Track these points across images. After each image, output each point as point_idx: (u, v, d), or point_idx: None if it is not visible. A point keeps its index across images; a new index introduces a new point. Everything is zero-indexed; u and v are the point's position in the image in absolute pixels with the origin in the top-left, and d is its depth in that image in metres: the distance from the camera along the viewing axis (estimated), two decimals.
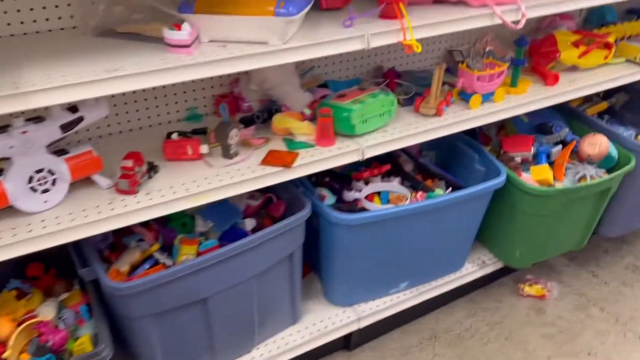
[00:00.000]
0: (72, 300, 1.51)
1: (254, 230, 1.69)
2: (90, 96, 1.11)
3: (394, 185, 1.82)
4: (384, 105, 1.62)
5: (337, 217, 1.60)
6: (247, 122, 1.61)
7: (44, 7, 1.39)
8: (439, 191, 1.83)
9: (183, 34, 1.22)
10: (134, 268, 1.52)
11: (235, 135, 1.47)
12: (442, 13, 1.52)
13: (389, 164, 1.87)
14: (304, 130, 1.57)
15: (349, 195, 1.78)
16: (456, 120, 1.69)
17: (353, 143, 1.57)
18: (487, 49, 2.00)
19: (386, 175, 1.88)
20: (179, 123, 1.71)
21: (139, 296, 1.35)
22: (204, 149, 1.46)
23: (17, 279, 1.54)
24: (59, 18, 1.42)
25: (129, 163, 1.32)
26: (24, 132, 1.18)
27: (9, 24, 1.37)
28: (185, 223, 1.67)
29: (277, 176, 1.45)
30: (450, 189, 1.86)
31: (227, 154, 1.48)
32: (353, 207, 1.75)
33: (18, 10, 1.36)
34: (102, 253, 1.57)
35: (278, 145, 1.56)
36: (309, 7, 1.33)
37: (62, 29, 1.43)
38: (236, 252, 1.46)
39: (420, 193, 1.78)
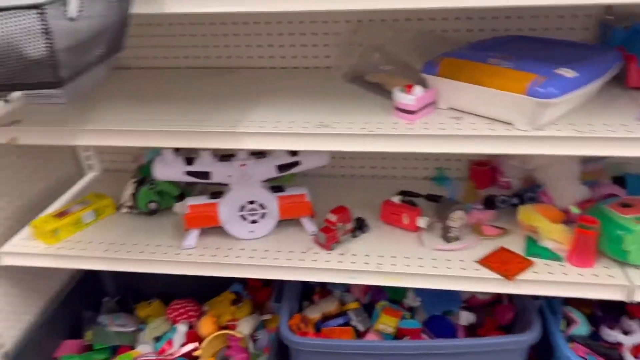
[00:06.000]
0: (272, 323, 1.55)
1: (469, 329, 1.42)
2: (294, 148, 1.07)
3: None
4: None
5: None
6: (489, 203, 1.33)
7: (304, 45, 1.42)
8: None
9: (410, 99, 1.05)
10: (327, 318, 1.46)
11: (459, 218, 1.23)
12: None
13: None
14: (553, 235, 1.20)
15: (610, 335, 1.30)
16: None
17: (621, 274, 1.12)
18: None
19: None
20: (423, 181, 1.54)
21: (309, 355, 1.28)
22: (421, 222, 1.27)
23: (241, 283, 1.67)
24: (315, 57, 1.43)
25: (333, 218, 1.25)
26: (243, 165, 1.23)
27: (271, 57, 1.45)
28: (397, 290, 1.52)
29: (491, 284, 1.15)
30: None
31: (445, 235, 1.25)
32: (610, 353, 1.27)
33: (281, 46, 1.43)
34: (312, 290, 1.57)
35: (515, 243, 1.24)
36: (583, 88, 0.98)
37: (317, 67, 1.44)
38: (435, 352, 1.25)
39: None
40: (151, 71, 1.49)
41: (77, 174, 1.69)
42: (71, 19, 0.75)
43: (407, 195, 1.37)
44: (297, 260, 1.23)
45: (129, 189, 1.43)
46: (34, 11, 0.69)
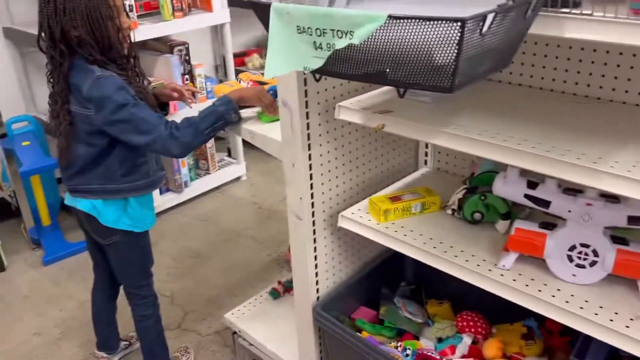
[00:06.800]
0: None
1: None
2: None
3: None
4: None
5: None
6: None
7: None
8: None
9: None
10: None
11: None
12: None
13: None
14: None
15: None
16: None
17: None
18: None
19: None
20: None
21: None
22: None
23: (536, 320, 1.58)
24: None
25: None
26: (589, 205, 1.14)
27: None
28: None
29: None
30: None
31: None
32: None
33: None
34: (619, 357, 1.38)
35: None
36: None
37: None
38: None
39: None
40: (516, 88, 1.49)
41: (412, 166, 1.84)
42: (481, 35, 0.81)
43: None
44: (621, 324, 1.09)
45: (459, 193, 1.48)
46: (458, 24, 0.77)
